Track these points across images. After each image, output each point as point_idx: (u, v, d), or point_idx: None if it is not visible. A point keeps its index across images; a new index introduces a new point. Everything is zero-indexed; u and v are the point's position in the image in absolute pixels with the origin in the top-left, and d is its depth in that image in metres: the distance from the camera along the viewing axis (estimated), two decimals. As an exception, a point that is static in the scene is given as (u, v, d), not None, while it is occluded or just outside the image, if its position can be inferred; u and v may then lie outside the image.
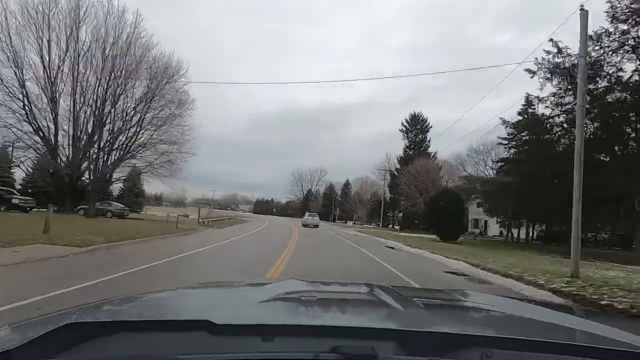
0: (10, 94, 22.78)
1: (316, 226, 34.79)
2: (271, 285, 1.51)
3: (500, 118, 28.47)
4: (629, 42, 18.81)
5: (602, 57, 19.27)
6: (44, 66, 23.55)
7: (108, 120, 25.67)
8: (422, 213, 39.30)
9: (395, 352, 0.78)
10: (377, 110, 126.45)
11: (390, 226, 59.17)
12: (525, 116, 28.38)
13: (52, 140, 24.45)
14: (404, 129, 55.49)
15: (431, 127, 54.81)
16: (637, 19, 18.08)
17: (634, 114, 20.09)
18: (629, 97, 19.52)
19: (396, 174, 51.43)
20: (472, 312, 1.37)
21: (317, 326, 0.90)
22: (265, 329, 0.84)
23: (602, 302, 6.15)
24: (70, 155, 25.01)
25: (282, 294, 1.27)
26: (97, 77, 24.59)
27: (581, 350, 0.80)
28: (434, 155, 50.30)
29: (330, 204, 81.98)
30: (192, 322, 0.86)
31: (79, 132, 24.91)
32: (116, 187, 36.58)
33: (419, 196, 42.15)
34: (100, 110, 24.87)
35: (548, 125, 23.96)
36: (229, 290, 1.65)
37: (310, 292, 1.46)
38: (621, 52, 19.07)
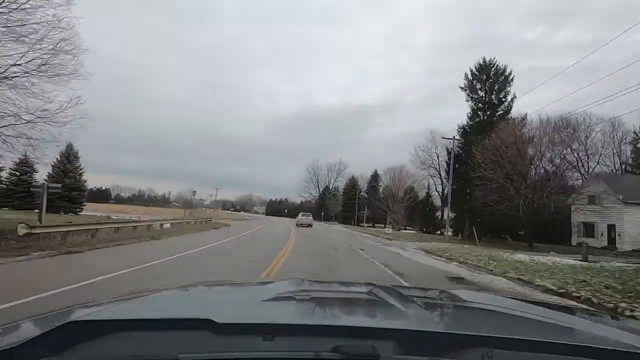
0: None
1: (310, 225, 37.51)
2: (273, 285, 1.55)
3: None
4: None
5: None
6: None
7: None
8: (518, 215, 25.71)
9: (396, 351, 0.81)
10: (401, 111, 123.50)
11: (439, 232, 45.62)
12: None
13: None
14: (468, 84, 36.07)
15: (512, 79, 35.62)
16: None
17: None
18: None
19: (459, 151, 34.41)
20: (473, 312, 1.39)
21: (319, 325, 0.93)
22: (267, 328, 0.87)
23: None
24: None
25: (284, 293, 1.31)
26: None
27: (582, 350, 0.83)
28: (521, 121, 29.41)
29: (352, 203, 68.08)
30: (194, 321, 0.88)
31: None
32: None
33: (509, 186, 26.33)
34: None
35: None
36: (231, 289, 1.70)
37: (312, 291, 1.48)
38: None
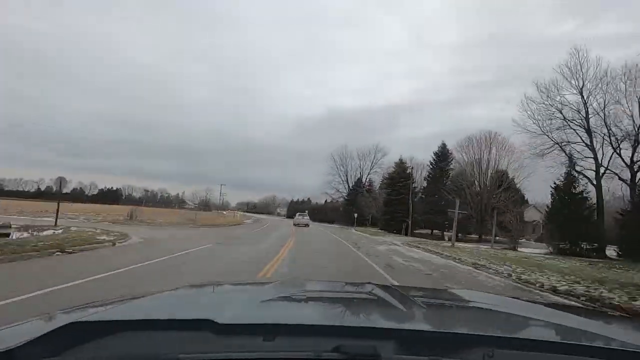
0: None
1: (307, 225, 39.45)
2: (274, 285, 1.57)
3: None
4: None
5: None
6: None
7: None
8: None
9: (398, 351, 0.82)
10: (428, 111, 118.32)
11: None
12: None
13: None
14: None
15: None
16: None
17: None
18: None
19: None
20: (474, 312, 1.41)
21: (320, 326, 0.96)
22: (268, 328, 0.89)
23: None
24: None
25: (285, 293, 1.35)
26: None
27: (583, 349, 0.84)
28: None
29: (400, 200, 46.51)
30: (195, 322, 0.91)
31: None
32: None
33: None
34: None
35: None
36: (232, 289, 1.71)
37: (313, 291, 1.51)
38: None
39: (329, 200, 79.53)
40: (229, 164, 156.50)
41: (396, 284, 9.51)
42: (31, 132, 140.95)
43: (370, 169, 69.84)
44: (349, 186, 71.12)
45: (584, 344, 0.88)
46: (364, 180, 68.34)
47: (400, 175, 48.99)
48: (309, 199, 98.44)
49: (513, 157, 37.96)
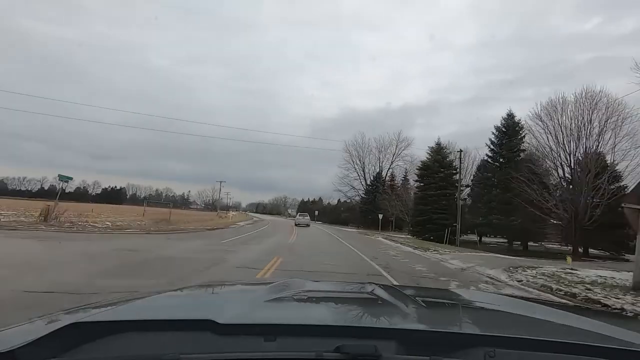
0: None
1: (307, 225, 39.82)
2: (274, 285, 1.56)
3: None
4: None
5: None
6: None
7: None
8: None
9: (398, 351, 0.83)
10: (443, 111, 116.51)
11: None
12: None
13: None
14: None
15: None
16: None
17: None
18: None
19: None
20: (475, 312, 1.41)
21: (320, 326, 0.97)
22: (269, 328, 0.90)
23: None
24: None
25: (285, 293, 1.35)
26: None
27: (584, 349, 0.85)
28: None
29: (440, 198, 34.58)
30: (196, 322, 0.92)
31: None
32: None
33: None
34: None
35: None
36: (232, 289, 1.72)
37: (313, 291, 1.52)
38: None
39: (342, 200, 71.28)
40: (242, 165, 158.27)
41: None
42: (49, 132, 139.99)
43: (392, 162, 59.78)
44: (366, 183, 60.92)
45: (585, 343, 0.88)
46: (384, 175, 58.50)
47: (440, 163, 36.42)
48: (320, 198, 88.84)
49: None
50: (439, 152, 37.54)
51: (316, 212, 68.69)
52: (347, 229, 45.09)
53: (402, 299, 1.29)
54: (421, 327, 1.02)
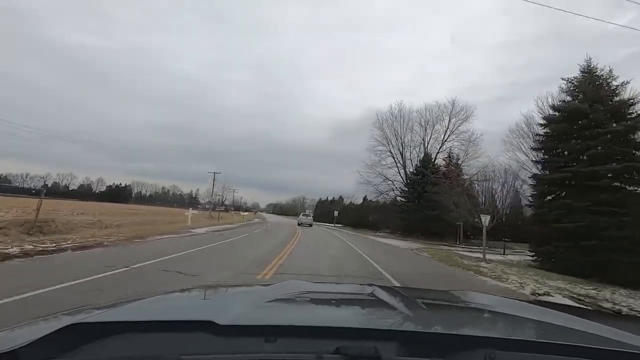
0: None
1: (310, 225, 40.36)
2: (274, 286, 1.58)
3: None
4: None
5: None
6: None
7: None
8: None
9: (399, 353, 0.84)
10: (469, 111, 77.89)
11: None
12: None
13: None
14: None
15: None
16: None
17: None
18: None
19: None
20: (475, 314, 1.42)
21: (320, 327, 0.97)
22: (269, 329, 0.91)
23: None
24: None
25: (285, 294, 1.37)
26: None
27: (584, 351, 0.86)
28: None
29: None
30: (196, 323, 0.94)
31: None
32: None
33: None
34: None
35: None
36: (233, 291, 1.71)
37: (313, 292, 1.53)
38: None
39: (370, 199, 55.74)
40: (262, 166, 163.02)
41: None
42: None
43: (444, 141, 42.53)
44: (405, 172, 43.90)
45: (585, 345, 0.90)
46: (434, 159, 41.04)
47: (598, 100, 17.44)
48: (340, 197, 79.43)
49: None
50: (590, 78, 18.33)
51: (335, 213, 55.10)
52: (381, 238, 31.17)
53: (402, 301, 1.32)
54: (421, 328, 1.03)
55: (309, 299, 1.41)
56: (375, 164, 44.87)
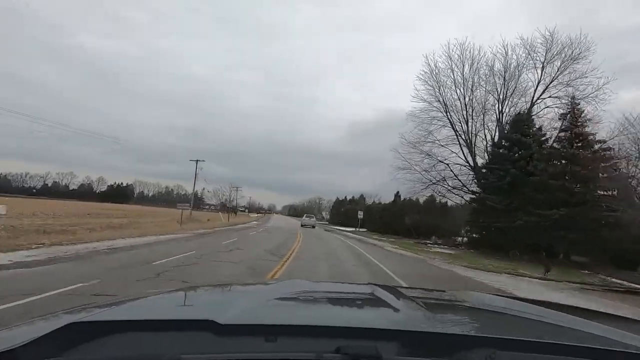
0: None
1: (313, 226, 42.74)
2: (275, 286, 1.61)
3: None
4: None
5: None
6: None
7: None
8: None
9: (399, 353, 0.85)
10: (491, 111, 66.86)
11: None
12: None
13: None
14: None
15: None
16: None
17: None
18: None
19: None
20: (476, 313, 1.42)
21: (321, 326, 0.98)
22: (269, 329, 0.92)
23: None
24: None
25: (286, 294, 1.38)
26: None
27: (585, 351, 0.87)
28: None
29: None
30: (196, 322, 0.95)
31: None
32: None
33: None
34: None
35: None
36: (233, 290, 1.72)
37: (314, 292, 1.53)
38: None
39: (403, 198, 43.13)
40: (277, 168, 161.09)
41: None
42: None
43: (536, 100, 28.28)
44: (472, 152, 29.59)
45: (586, 345, 0.90)
46: (536, 124, 26.93)
47: None
48: (361, 195, 70.15)
49: None
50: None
51: (360, 214, 43.62)
52: (469, 270, 15.71)
53: (402, 300, 1.33)
54: (422, 328, 1.02)
55: (309, 298, 1.42)
56: (421, 140, 29.90)
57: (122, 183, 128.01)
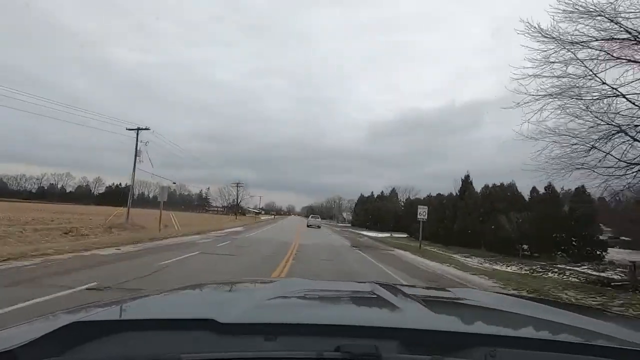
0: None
1: (318, 227, 41.58)
2: (275, 284, 1.61)
3: None
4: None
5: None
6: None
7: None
8: None
9: (399, 351, 0.86)
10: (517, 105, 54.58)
11: None
12: None
13: None
14: None
15: None
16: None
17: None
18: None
19: None
20: (476, 311, 1.42)
21: (321, 325, 0.99)
22: (270, 328, 0.94)
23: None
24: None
25: (286, 292, 1.39)
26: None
27: (585, 348, 0.88)
28: None
29: None
30: (196, 321, 0.96)
31: None
32: None
33: None
34: None
35: None
36: (234, 288, 1.72)
37: (314, 290, 1.53)
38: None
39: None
40: (299, 170, 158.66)
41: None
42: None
43: None
44: None
45: (586, 342, 0.91)
46: None
47: None
48: (393, 190, 56.15)
49: None
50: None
51: (423, 214, 24.11)
52: None
53: (402, 298, 1.34)
54: (422, 326, 1.02)
55: (309, 297, 1.43)
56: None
57: (120, 184, 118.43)
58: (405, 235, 34.89)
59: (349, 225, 68.42)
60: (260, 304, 1.20)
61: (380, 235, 35.50)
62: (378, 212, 46.74)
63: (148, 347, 0.84)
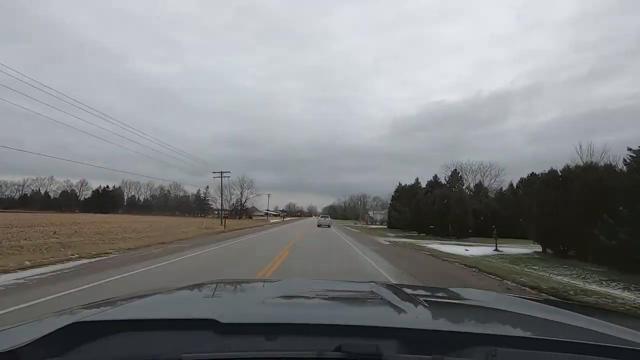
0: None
1: (328, 226, 43.31)
2: (276, 284, 1.59)
3: None
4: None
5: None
6: None
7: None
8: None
9: (400, 350, 0.88)
10: (547, 94, 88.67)
11: None
12: None
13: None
14: None
15: None
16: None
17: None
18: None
19: None
20: (477, 311, 1.44)
21: (321, 325, 1.02)
22: (270, 327, 0.97)
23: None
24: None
25: (287, 292, 1.41)
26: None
27: (587, 348, 0.90)
28: None
29: None
30: (197, 321, 0.98)
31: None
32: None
33: None
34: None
35: None
36: (234, 288, 1.75)
37: (315, 290, 1.56)
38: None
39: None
40: (320, 170, 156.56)
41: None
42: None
43: None
44: None
45: (587, 342, 0.92)
46: None
47: None
48: (457, 172, 39.95)
49: None
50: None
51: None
52: None
53: (403, 298, 1.35)
54: (422, 326, 1.05)
55: (310, 296, 1.45)
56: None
57: (107, 186, 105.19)
58: (521, 239, 19.47)
59: (385, 227, 50.32)
60: (261, 304, 1.22)
61: (459, 246, 19.90)
62: (447, 208, 28.25)
63: (149, 347, 0.84)
